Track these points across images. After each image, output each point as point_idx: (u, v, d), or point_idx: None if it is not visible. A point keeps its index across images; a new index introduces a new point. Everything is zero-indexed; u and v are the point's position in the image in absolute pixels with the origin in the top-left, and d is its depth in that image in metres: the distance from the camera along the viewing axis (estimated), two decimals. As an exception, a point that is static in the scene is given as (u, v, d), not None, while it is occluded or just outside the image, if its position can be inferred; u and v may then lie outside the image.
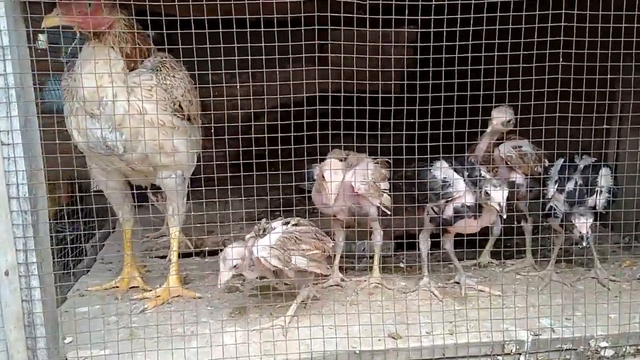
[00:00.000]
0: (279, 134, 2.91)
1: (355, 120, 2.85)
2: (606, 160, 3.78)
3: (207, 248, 4.09)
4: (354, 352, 2.89)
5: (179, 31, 2.65)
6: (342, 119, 2.82)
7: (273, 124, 3.11)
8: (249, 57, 2.77)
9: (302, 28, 2.70)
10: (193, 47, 2.69)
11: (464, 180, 3.25)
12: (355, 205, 3.42)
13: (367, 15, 2.77)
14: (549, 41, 2.77)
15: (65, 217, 3.84)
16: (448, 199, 3.26)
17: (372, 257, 3.74)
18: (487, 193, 3.08)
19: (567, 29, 2.73)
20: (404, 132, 2.93)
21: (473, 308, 3.26)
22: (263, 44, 2.74)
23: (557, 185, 3.48)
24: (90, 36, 2.97)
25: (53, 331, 2.76)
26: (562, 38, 2.74)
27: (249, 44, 2.70)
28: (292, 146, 2.84)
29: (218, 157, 3.15)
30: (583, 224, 3.18)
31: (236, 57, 2.73)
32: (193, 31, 2.62)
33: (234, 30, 2.69)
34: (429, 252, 3.56)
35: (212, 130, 3.12)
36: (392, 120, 2.92)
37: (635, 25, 2.88)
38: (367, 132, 2.92)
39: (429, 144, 2.94)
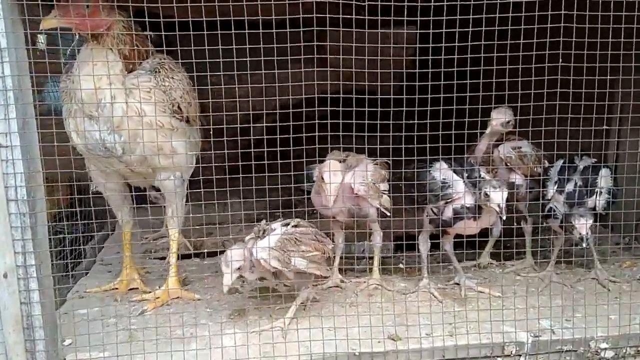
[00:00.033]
0: (278, 136, 2.91)
1: (354, 121, 2.85)
2: (606, 161, 3.77)
3: (205, 250, 4.07)
4: (353, 354, 2.89)
5: (177, 33, 2.64)
6: (341, 120, 2.81)
7: (272, 125, 3.09)
8: (248, 58, 2.77)
9: (301, 29, 2.69)
10: (192, 49, 2.68)
11: (464, 182, 3.25)
12: (355, 207, 3.41)
13: (366, 17, 2.76)
14: (548, 42, 2.76)
15: (64, 219, 3.83)
16: (447, 200, 3.25)
17: (371, 258, 3.73)
18: (486, 194, 3.07)
19: (567, 30, 2.72)
20: (403, 134, 2.92)
21: (473, 309, 3.25)
22: (261, 46, 2.73)
23: (556, 186, 3.47)
24: (89, 38, 2.97)
25: (52, 333, 2.76)
26: (561, 39, 2.74)
27: (247, 46, 2.70)
28: (291, 148, 2.83)
29: (217, 158, 3.14)
30: (583, 225, 3.17)
31: (235, 59, 2.72)
32: (191, 33, 2.62)
33: (232, 32, 2.68)
34: (429, 253, 3.55)
35: (211, 132, 3.12)
36: (391, 122, 2.92)
37: (635, 26, 2.87)
38: (366, 134, 2.91)
39: (428, 145, 2.93)
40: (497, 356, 2.98)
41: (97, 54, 2.92)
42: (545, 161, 3.74)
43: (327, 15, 2.66)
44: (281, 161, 2.93)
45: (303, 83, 2.89)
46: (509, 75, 2.86)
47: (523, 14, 2.74)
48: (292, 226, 3.13)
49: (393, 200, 3.55)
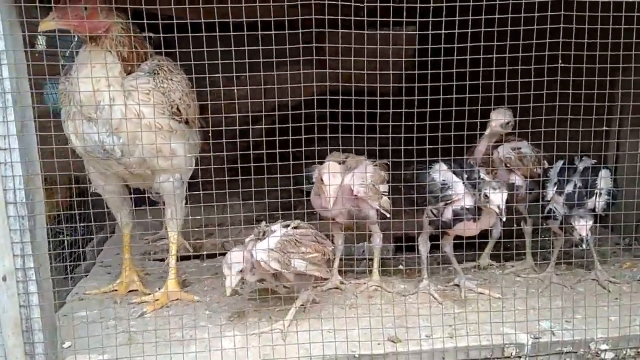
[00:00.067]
0: (277, 137, 2.90)
1: (353, 123, 2.84)
2: (606, 162, 3.76)
3: (205, 252, 4.07)
4: (353, 356, 2.88)
5: (175, 35, 2.64)
6: (340, 122, 2.81)
7: (271, 127, 3.09)
8: (247, 60, 2.76)
9: (300, 31, 2.69)
10: (190, 51, 2.68)
11: (463, 183, 3.24)
12: (355, 208, 3.40)
13: (365, 18, 2.76)
14: (547, 43, 2.75)
15: (64, 221, 3.82)
16: (447, 202, 3.24)
17: (371, 260, 3.72)
18: (486, 195, 3.06)
19: (566, 31, 2.72)
20: (402, 135, 2.92)
21: (473, 311, 3.24)
22: (260, 47, 2.73)
23: (556, 187, 3.47)
24: (87, 40, 2.97)
25: (51, 336, 2.76)
26: (560, 40, 2.73)
27: (246, 47, 2.69)
28: (290, 150, 2.83)
29: (216, 160, 3.14)
30: (583, 226, 3.16)
31: (234, 60, 2.72)
32: (190, 35, 2.62)
33: (231, 33, 2.68)
34: (428, 254, 3.55)
35: (210, 134, 3.11)
36: (390, 123, 2.91)
37: (635, 26, 2.87)
38: (365, 135, 2.91)
39: (427, 147, 2.93)
40: (497, 358, 2.97)
41: (95, 56, 2.91)
42: (545, 162, 3.74)
43: (326, 17, 2.66)
44: (280, 163, 2.93)
45: (302, 85, 2.89)
46: (508, 76, 2.85)
47: (522, 15, 2.74)
48: (292, 228, 3.12)
49: (393, 202, 3.54)
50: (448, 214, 3.26)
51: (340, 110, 2.79)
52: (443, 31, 2.72)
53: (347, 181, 3.32)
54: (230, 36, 2.69)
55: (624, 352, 3.04)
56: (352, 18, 2.64)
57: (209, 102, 3.01)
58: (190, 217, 3.29)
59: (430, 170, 3.32)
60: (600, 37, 2.80)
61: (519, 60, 2.80)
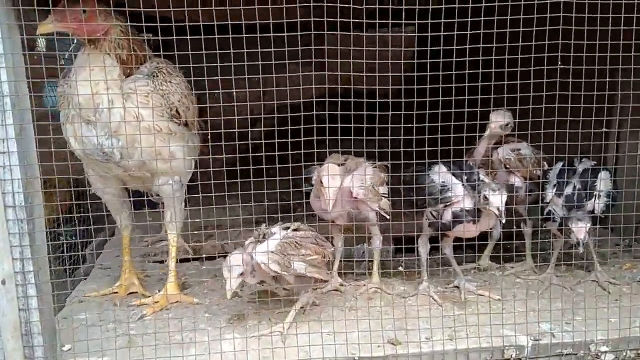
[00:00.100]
0: (276, 140, 2.90)
1: (352, 125, 2.84)
2: (605, 163, 3.76)
3: (204, 255, 4.06)
4: (353, 359, 2.88)
5: (174, 37, 2.63)
6: (339, 125, 2.80)
7: (270, 129, 3.09)
8: (245, 62, 2.76)
9: (298, 33, 2.68)
10: (189, 54, 2.68)
11: (463, 185, 3.24)
12: (354, 210, 3.40)
13: (364, 20, 2.75)
14: (547, 44, 2.75)
15: (62, 224, 3.83)
16: (446, 204, 3.24)
17: (370, 261, 3.72)
18: (485, 197, 3.06)
19: (566, 32, 2.72)
20: (402, 137, 2.91)
21: (472, 313, 3.23)
22: (259, 50, 2.73)
23: (555, 189, 3.46)
24: (86, 42, 2.96)
25: (51, 340, 2.76)
26: (560, 41, 2.73)
27: (244, 50, 2.69)
28: (289, 152, 2.82)
29: (216, 163, 3.14)
30: (581, 229, 3.16)
31: (232, 63, 2.72)
32: (188, 37, 2.62)
33: (230, 36, 2.67)
34: (428, 256, 3.54)
35: (209, 137, 3.11)
36: (389, 125, 2.91)
37: (634, 27, 2.86)
38: (364, 137, 2.90)
39: (426, 149, 2.92)
40: (497, 360, 2.97)
41: (94, 59, 2.91)
42: (545, 163, 3.73)
43: (325, 19, 2.66)
44: (280, 165, 2.93)
45: (301, 87, 2.88)
46: (508, 77, 2.84)
47: (521, 16, 2.73)
48: (292, 230, 3.12)
49: (392, 204, 3.53)
50: (447, 216, 3.26)
51: (339, 112, 2.78)
52: (442, 33, 2.71)
53: (346, 183, 3.31)
54: (229, 39, 2.69)
55: (624, 354, 3.04)
56: (351, 20, 2.63)
57: (208, 105, 3.01)
58: (189, 220, 3.28)
59: (429, 172, 3.32)
60: (599, 39, 2.80)
61: (518, 62, 2.80)
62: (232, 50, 2.67)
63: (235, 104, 2.90)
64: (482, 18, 2.73)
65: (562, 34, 2.71)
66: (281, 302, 3.17)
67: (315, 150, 2.88)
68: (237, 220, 3.20)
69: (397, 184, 3.47)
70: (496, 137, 3.65)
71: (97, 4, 2.83)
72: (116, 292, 3.57)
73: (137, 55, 3.13)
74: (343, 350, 2.89)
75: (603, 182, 3.44)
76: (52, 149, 2.75)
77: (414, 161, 3.02)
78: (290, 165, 2.92)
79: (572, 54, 2.76)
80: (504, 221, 3.08)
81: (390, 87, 3.25)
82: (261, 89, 3.11)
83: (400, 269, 3.94)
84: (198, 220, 3.27)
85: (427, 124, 2.87)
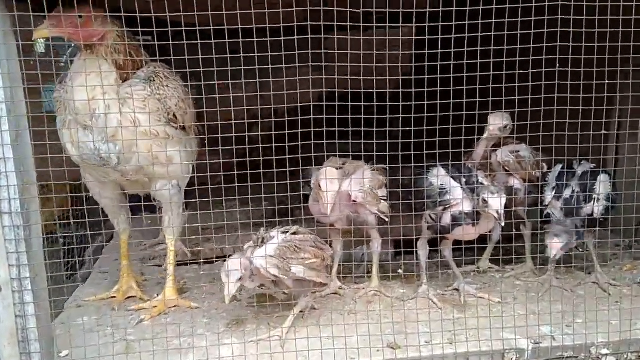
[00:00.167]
0: (274, 144, 2.89)
1: (350, 129, 2.82)
2: (605, 165, 3.74)
3: (201, 260, 4.05)
4: (352, 364, 2.87)
5: (171, 42, 2.62)
6: (337, 128, 2.79)
7: (267, 133, 3.08)
8: (242, 67, 2.75)
9: (295, 37, 2.67)
10: (185, 58, 2.67)
11: (462, 188, 3.22)
12: (353, 214, 3.39)
13: (361, 23, 2.74)
14: (545, 47, 2.73)
15: (59, 229, 3.82)
16: (445, 207, 3.22)
17: (370, 264, 3.70)
18: (484, 200, 3.05)
19: (565, 35, 2.70)
20: (400, 141, 2.90)
21: (472, 316, 3.23)
22: (256, 54, 2.72)
23: (554, 192, 3.45)
24: (82, 48, 2.95)
25: (48, 346, 2.74)
26: (559, 44, 2.71)
27: (241, 55, 2.68)
28: (287, 156, 2.81)
29: (214, 167, 3.12)
30: (555, 245, 3.16)
31: (229, 68, 2.71)
32: (185, 42, 2.60)
33: (226, 40, 2.67)
34: (427, 260, 3.53)
35: (206, 141, 3.10)
36: (387, 128, 2.89)
37: (633, 29, 2.85)
38: (362, 141, 2.89)
39: (425, 152, 2.91)
40: (498, 364, 2.96)
41: (90, 64, 2.90)
42: (544, 165, 3.72)
43: (322, 23, 2.64)
44: (277, 170, 2.91)
45: (298, 91, 2.87)
46: (506, 80, 2.83)
47: (519, 18, 2.72)
48: (291, 233, 3.11)
49: (391, 207, 3.52)
50: (447, 219, 3.24)
51: (337, 116, 2.77)
52: (440, 36, 2.70)
53: (345, 187, 3.30)
54: (225, 43, 2.68)
55: (625, 357, 3.03)
56: (349, 24, 2.62)
57: (204, 110, 3.00)
58: (187, 225, 3.27)
59: (428, 175, 3.30)
60: (598, 40, 2.78)
61: (517, 64, 2.78)
62: (228, 55, 2.67)
63: (232, 108, 2.88)
64: (480, 21, 2.71)
65: (560, 36, 2.69)
66: (280, 306, 3.15)
67: (313, 154, 2.87)
68: (236, 224, 3.19)
69: (395, 187, 3.46)
70: (495, 140, 3.64)
71: (93, 9, 2.81)
72: (114, 297, 3.56)
73: (134, 60, 3.12)
74: (342, 355, 2.88)
75: (602, 184, 3.43)
76: (48, 155, 2.74)
77: (413, 165, 3.01)
78: (288, 169, 2.90)
79: (570, 55, 2.74)
80: (503, 224, 3.06)
81: (388, 90, 3.24)
82: (258, 94, 3.10)
83: (400, 272, 3.92)
84: (196, 225, 3.25)
85: (425, 127, 2.86)
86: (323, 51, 2.71)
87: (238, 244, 3.36)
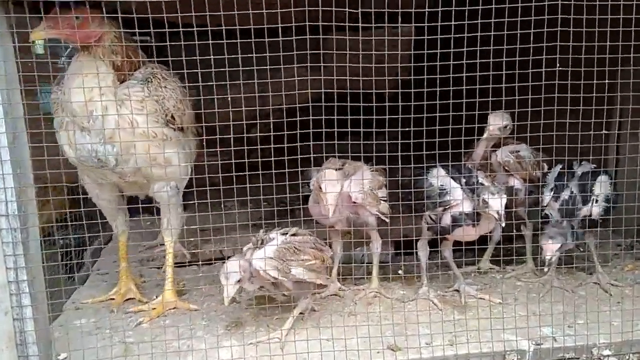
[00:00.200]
0: (272, 145, 2.87)
1: (349, 129, 2.81)
2: (606, 166, 3.72)
3: (200, 262, 4.03)
4: (352, 365, 2.85)
5: (168, 43, 2.61)
6: (336, 129, 2.77)
7: (266, 134, 3.06)
8: (240, 67, 2.73)
9: (293, 38, 2.65)
10: (183, 59, 2.65)
11: (462, 188, 3.21)
12: (353, 215, 3.37)
13: (360, 24, 2.73)
14: (545, 46, 2.72)
15: (55, 232, 3.80)
16: (445, 207, 3.21)
17: (370, 263, 3.68)
18: (485, 201, 3.03)
19: (564, 34, 2.69)
20: (399, 141, 2.88)
21: (473, 317, 3.21)
22: (254, 55, 2.70)
23: (552, 192, 3.43)
24: (79, 49, 2.94)
25: (46, 349, 2.72)
26: (559, 43, 2.70)
27: (239, 55, 2.66)
28: (286, 157, 2.80)
29: (212, 168, 3.11)
30: (549, 247, 3.14)
31: (227, 69, 2.69)
32: (182, 43, 2.59)
33: (224, 41, 2.65)
34: (427, 260, 3.51)
35: (204, 142, 3.09)
36: (387, 129, 2.88)
37: (633, 28, 2.83)
38: (362, 142, 2.87)
39: (424, 152, 2.89)
40: (499, 365, 2.94)
41: (88, 66, 2.88)
42: (545, 165, 3.70)
43: (320, 23, 2.63)
44: (276, 171, 2.90)
45: (297, 92, 2.86)
46: (506, 80, 2.82)
47: (519, 18, 2.70)
48: (291, 235, 3.09)
49: (391, 207, 3.50)
50: (447, 220, 3.23)
51: (335, 117, 2.75)
52: (439, 36, 2.69)
53: (345, 188, 3.28)
54: (223, 43, 2.66)
55: (627, 357, 3.01)
56: (347, 24, 2.60)
57: (203, 111, 2.98)
58: (185, 227, 3.25)
59: (428, 175, 3.29)
60: (598, 40, 2.77)
61: (516, 65, 2.77)
62: (226, 56, 2.65)
63: (230, 109, 2.87)
64: (479, 20, 2.70)
65: (560, 35, 2.68)
66: (279, 308, 3.13)
67: (312, 155, 2.86)
68: (235, 226, 3.17)
69: (395, 187, 3.44)
70: (494, 140, 3.62)
71: (91, 10, 2.80)
72: (113, 299, 3.55)
73: (131, 61, 3.10)
74: (342, 357, 2.86)
75: (602, 185, 3.41)
76: (45, 157, 2.72)
77: (412, 165, 2.99)
78: (286, 170, 2.89)
79: (571, 55, 2.73)
80: (503, 224, 3.05)
81: (387, 90, 3.22)
82: (256, 94, 3.07)
83: (400, 273, 3.90)
84: (194, 227, 3.24)
85: (424, 128, 2.84)
86: (322, 51, 2.69)
87: (237, 246, 3.34)
